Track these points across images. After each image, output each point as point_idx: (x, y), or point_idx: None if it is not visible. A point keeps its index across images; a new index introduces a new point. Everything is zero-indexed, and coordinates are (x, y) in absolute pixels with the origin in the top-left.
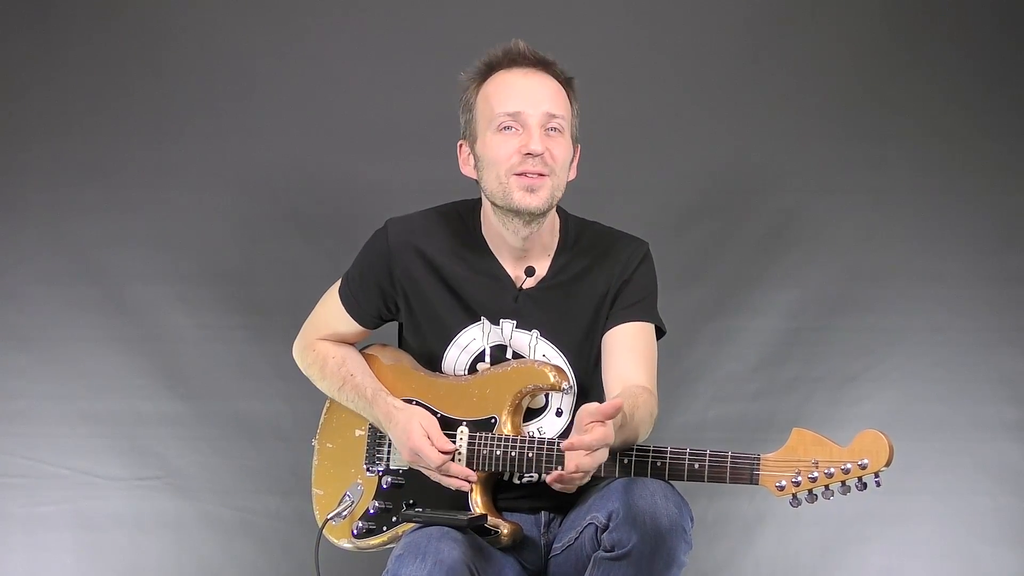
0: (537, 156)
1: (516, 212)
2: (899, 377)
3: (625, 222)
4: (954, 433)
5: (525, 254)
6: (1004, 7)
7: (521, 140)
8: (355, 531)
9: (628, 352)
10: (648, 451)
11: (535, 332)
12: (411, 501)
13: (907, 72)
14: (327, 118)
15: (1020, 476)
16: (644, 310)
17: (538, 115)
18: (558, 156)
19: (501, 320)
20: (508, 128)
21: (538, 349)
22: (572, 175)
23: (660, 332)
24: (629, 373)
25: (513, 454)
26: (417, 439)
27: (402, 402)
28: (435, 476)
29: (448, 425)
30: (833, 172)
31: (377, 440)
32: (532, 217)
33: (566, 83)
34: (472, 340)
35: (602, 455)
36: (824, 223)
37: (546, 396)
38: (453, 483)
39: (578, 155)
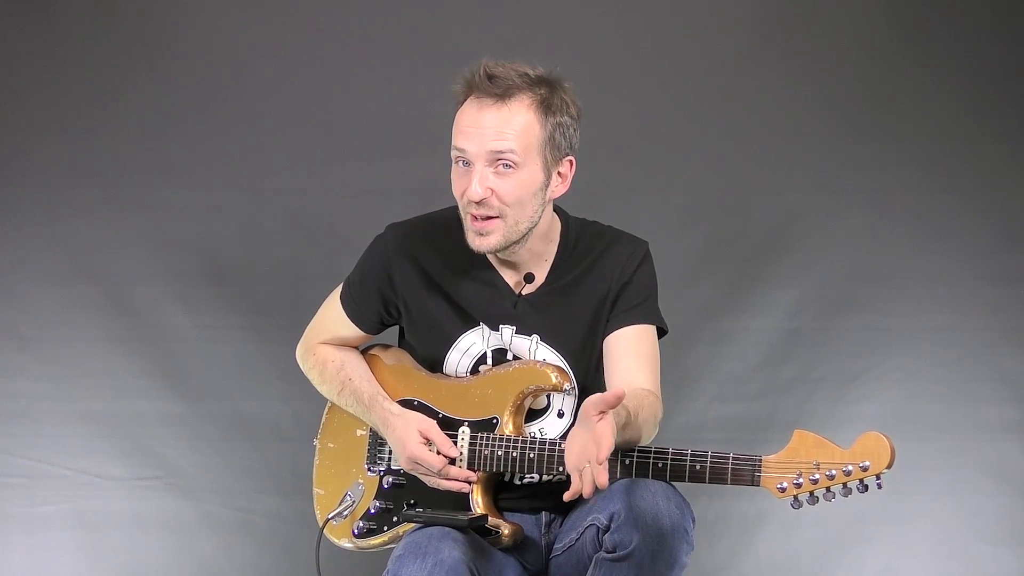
0: (479, 202)
1: None
2: (899, 377)
3: (625, 222)
4: (954, 433)
5: (519, 264)
6: (1005, 6)
7: (466, 183)
8: (356, 531)
9: (631, 356)
10: (649, 452)
11: (535, 337)
12: (412, 501)
13: (907, 72)
14: (327, 118)
15: (1020, 476)
16: (645, 312)
17: (482, 154)
18: (507, 195)
19: (500, 326)
20: (461, 163)
21: (538, 353)
22: (561, 191)
23: (662, 331)
24: (633, 377)
25: (514, 455)
26: (414, 447)
27: (399, 407)
28: (434, 481)
29: (449, 425)
30: (833, 172)
31: (378, 440)
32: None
33: (540, 102)
34: (472, 344)
35: (606, 451)
36: (824, 223)
37: (548, 397)
38: (453, 486)
39: (572, 168)
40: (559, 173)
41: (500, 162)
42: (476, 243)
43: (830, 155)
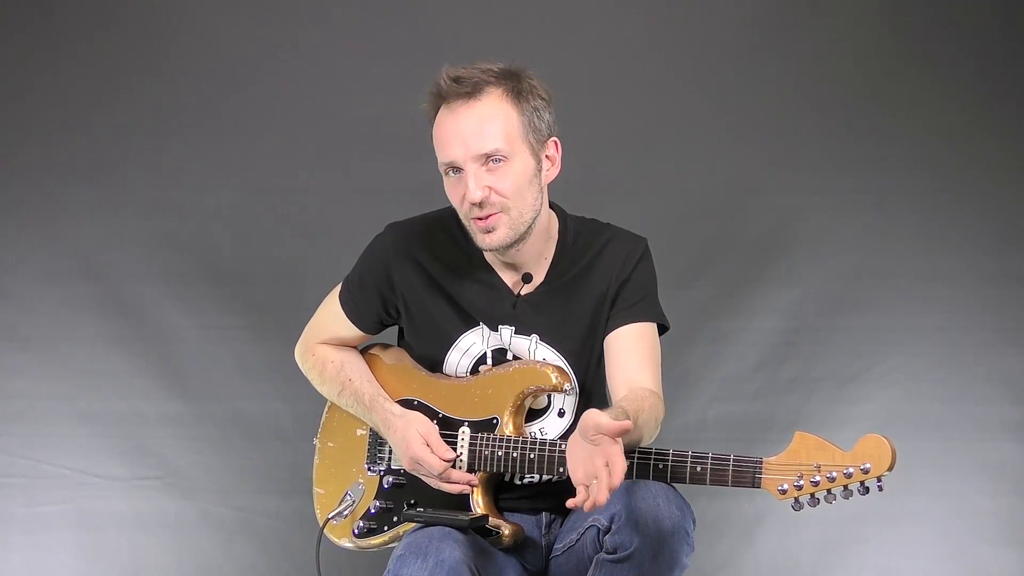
0: (480, 203)
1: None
2: (899, 377)
3: (626, 222)
4: (954, 433)
5: (519, 265)
6: (1004, 6)
7: (462, 189)
8: (356, 530)
9: (632, 355)
10: (650, 453)
11: (534, 336)
12: (412, 501)
13: (907, 72)
14: (327, 118)
15: (1020, 476)
16: (645, 309)
17: (470, 159)
18: (506, 188)
19: (500, 326)
20: (451, 172)
21: (537, 353)
22: (554, 173)
23: (664, 328)
24: (634, 376)
25: (515, 455)
26: (416, 447)
27: (400, 408)
28: (435, 483)
29: (449, 425)
30: (833, 172)
31: (378, 440)
32: (502, 250)
33: (510, 91)
34: (472, 344)
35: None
36: (824, 223)
37: (548, 397)
38: (455, 488)
39: (557, 149)
40: (547, 157)
41: (491, 160)
42: (485, 241)
43: (830, 155)
